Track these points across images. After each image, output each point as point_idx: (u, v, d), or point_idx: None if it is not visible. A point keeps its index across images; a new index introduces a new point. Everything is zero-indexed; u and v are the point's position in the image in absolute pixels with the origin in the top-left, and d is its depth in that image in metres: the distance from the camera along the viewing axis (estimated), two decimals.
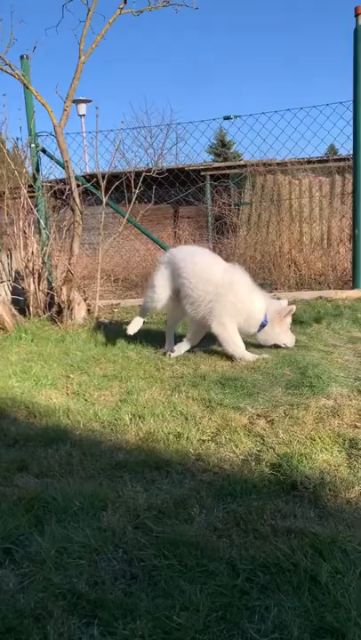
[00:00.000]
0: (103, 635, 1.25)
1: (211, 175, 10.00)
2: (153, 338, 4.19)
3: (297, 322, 4.28)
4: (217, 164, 10.96)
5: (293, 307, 3.67)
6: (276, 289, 6.87)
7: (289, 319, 3.67)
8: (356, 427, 2.31)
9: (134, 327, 3.86)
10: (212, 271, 3.58)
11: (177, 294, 3.68)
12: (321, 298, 5.55)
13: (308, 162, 8.56)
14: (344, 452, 2.10)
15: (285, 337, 3.69)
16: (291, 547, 1.49)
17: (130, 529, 1.64)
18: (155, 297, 3.74)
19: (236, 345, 3.52)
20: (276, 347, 3.69)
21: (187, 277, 3.57)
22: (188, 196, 9.03)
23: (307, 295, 5.80)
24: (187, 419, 2.51)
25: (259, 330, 3.62)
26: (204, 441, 2.29)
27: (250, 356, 3.48)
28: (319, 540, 1.52)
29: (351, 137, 5.38)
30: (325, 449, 2.11)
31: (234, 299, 3.50)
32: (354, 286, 5.72)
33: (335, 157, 9.01)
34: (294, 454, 2.05)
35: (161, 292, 3.71)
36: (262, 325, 3.61)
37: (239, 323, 3.56)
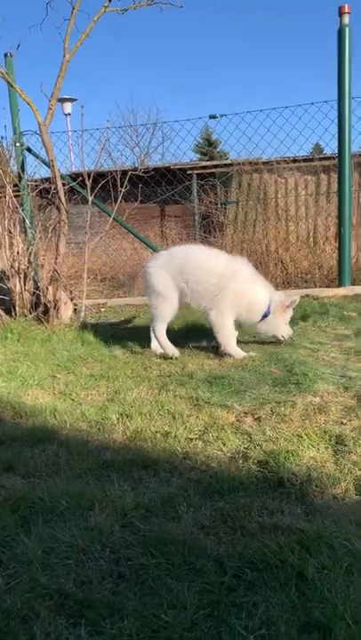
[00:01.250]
0: (90, 634, 1.25)
1: (197, 174, 10.01)
2: (140, 337, 4.19)
3: None
4: (203, 163, 10.97)
5: (297, 298, 3.70)
6: None
7: (290, 312, 3.70)
8: (342, 423, 2.32)
9: (157, 345, 3.76)
10: (216, 262, 3.60)
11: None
12: (307, 296, 5.58)
13: (294, 161, 8.59)
14: (330, 448, 2.11)
15: (285, 329, 3.70)
16: (278, 543, 1.50)
17: (117, 528, 1.64)
18: (167, 304, 3.66)
19: (229, 338, 3.55)
20: (275, 339, 3.70)
21: (191, 272, 3.56)
22: (175, 194, 9.03)
23: (293, 293, 5.80)
24: (174, 417, 2.50)
25: (261, 319, 3.63)
26: (191, 439, 2.29)
27: (239, 353, 3.50)
28: (306, 536, 1.53)
29: (336, 136, 5.41)
30: (312, 445, 2.12)
31: (237, 288, 3.52)
32: (340, 284, 5.75)
33: (321, 156, 9.07)
34: (281, 451, 2.06)
35: (172, 296, 3.65)
36: (265, 315, 3.61)
37: (240, 314, 3.58)
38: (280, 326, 3.67)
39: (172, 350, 3.61)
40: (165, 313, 3.68)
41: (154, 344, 3.81)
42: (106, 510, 1.74)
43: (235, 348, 3.54)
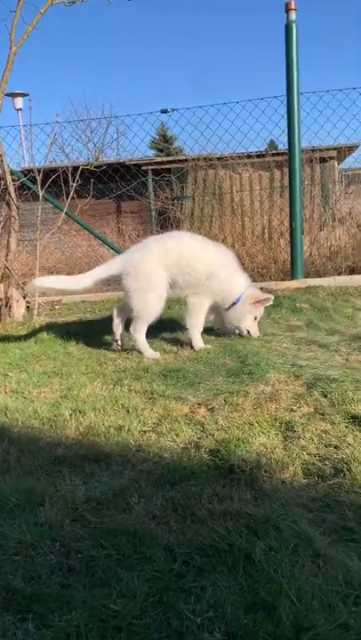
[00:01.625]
0: (38, 628, 1.24)
1: (153, 170, 10.00)
2: (95, 333, 4.16)
3: None
4: (158, 159, 10.96)
5: (271, 297, 3.72)
6: None
7: (262, 309, 3.70)
8: (292, 410, 2.38)
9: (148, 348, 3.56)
10: (209, 252, 3.63)
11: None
12: (263, 289, 5.65)
13: (248, 156, 8.71)
14: (280, 434, 2.16)
15: (250, 324, 3.69)
16: (226, 528, 1.52)
17: (67, 522, 1.63)
18: (161, 302, 3.56)
19: (199, 323, 3.59)
20: (239, 331, 3.74)
21: (189, 265, 3.53)
22: (131, 190, 8.99)
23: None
24: (128, 411, 2.50)
25: (229, 308, 3.65)
26: (145, 432, 2.30)
27: (200, 343, 3.55)
28: (254, 519, 1.56)
29: (286, 131, 5.51)
30: (262, 432, 2.16)
31: (224, 277, 3.56)
32: (293, 277, 5.87)
33: (273, 152, 9.21)
34: (232, 439, 2.09)
35: (164, 293, 3.58)
36: (234, 304, 3.63)
37: (216, 300, 3.63)
38: (245, 318, 3.67)
39: (151, 354, 3.47)
40: (156, 312, 3.56)
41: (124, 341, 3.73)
42: (56, 505, 1.72)
43: (198, 336, 3.58)
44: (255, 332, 3.72)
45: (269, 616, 1.21)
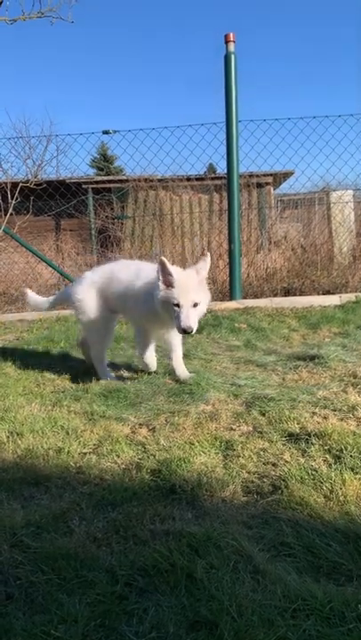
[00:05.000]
0: None
1: (93, 189, 9.99)
2: (33, 354, 4.08)
3: None
4: (99, 178, 10.98)
5: None
6: None
7: None
8: (231, 429, 2.43)
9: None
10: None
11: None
12: None
13: (188, 179, 8.89)
14: (220, 453, 2.20)
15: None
16: (168, 548, 1.54)
17: (6, 548, 1.58)
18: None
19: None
20: None
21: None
22: (70, 208, 8.93)
23: None
24: (68, 433, 2.47)
25: None
26: (85, 454, 2.28)
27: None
28: (195, 538, 1.58)
29: (225, 156, 5.69)
30: (203, 452, 2.20)
31: None
32: (232, 298, 6.01)
33: (212, 176, 9.47)
34: (173, 459, 2.11)
35: None
36: None
37: None
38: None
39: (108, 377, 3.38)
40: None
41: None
42: None
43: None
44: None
45: (211, 634, 1.23)
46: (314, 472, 1.97)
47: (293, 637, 1.23)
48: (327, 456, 2.09)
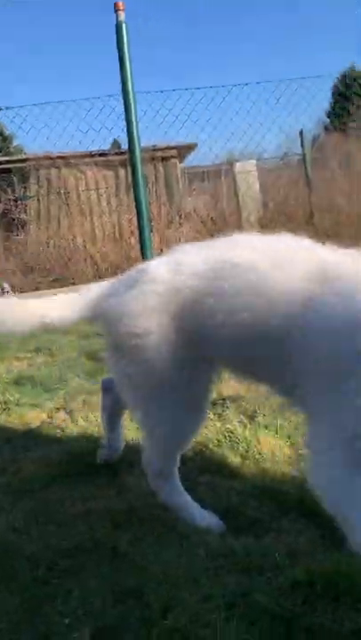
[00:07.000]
0: None
1: None
2: None
3: None
4: None
5: None
6: (73, 284, 6.87)
7: None
8: None
9: None
10: None
11: None
12: None
13: (91, 155, 8.67)
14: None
15: None
16: (91, 527, 1.53)
17: None
18: None
19: None
20: None
21: None
22: None
23: None
24: None
25: None
26: (1, 445, 2.20)
27: None
28: (118, 514, 1.59)
29: (125, 129, 5.58)
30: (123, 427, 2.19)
31: None
32: None
33: (116, 151, 9.30)
34: (92, 439, 2.09)
35: None
36: None
37: None
38: None
39: None
40: None
41: None
42: None
43: None
44: None
45: (139, 601, 1.24)
46: (230, 434, 2.03)
47: (217, 592, 1.27)
48: (242, 416, 2.16)
